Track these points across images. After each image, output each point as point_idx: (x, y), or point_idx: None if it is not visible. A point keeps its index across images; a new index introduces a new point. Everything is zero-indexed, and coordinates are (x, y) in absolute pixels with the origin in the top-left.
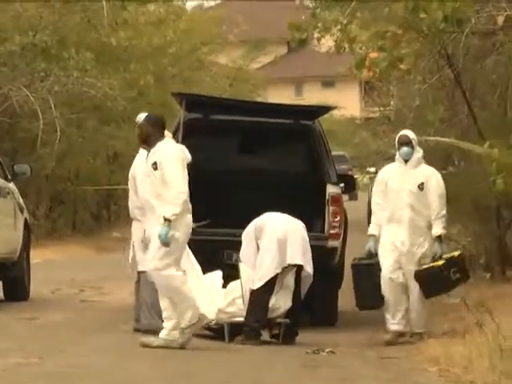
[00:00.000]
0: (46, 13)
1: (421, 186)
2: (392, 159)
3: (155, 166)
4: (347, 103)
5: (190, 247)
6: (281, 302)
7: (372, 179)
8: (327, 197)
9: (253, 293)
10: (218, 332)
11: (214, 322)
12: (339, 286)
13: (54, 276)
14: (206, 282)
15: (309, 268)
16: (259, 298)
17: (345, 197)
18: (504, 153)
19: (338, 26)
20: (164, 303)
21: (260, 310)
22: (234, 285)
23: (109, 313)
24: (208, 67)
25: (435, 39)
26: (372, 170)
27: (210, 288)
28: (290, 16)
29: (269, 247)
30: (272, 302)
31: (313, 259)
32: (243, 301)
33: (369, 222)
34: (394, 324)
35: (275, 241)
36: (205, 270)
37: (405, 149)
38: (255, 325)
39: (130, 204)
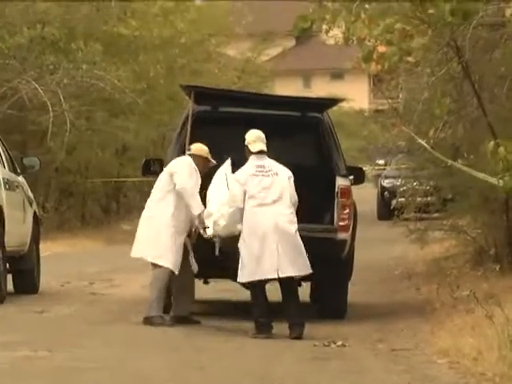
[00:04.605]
0: (54, 5)
1: None
2: (401, 152)
3: None
4: (356, 95)
5: None
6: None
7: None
8: (336, 189)
9: (249, 287)
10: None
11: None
12: (349, 278)
13: (64, 269)
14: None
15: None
16: (256, 292)
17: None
18: (511, 149)
19: (346, 19)
20: None
21: (261, 305)
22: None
23: (118, 305)
24: (216, 59)
25: (444, 31)
26: (381, 162)
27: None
28: (298, 8)
29: (251, 251)
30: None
31: (322, 251)
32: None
33: (378, 214)
34: None
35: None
36: None
37: None
38: (262, 319)
39: None
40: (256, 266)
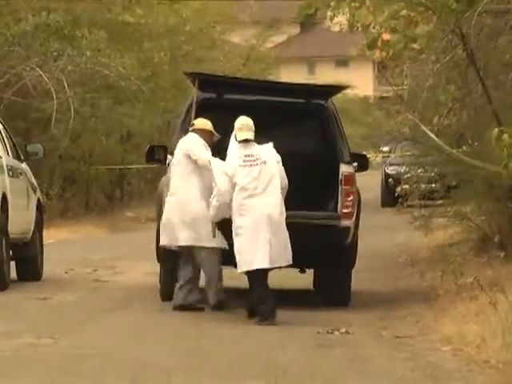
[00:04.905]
0: None
1: None
2: (406, 139)
3: None
4: (361, 82)
5: None
6: None
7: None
8: (340, 176)
9: (248, 276)
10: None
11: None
12: (352, 265)
13: (67, 256)
14: None
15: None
16: (254, 280)
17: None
18: None
19: (350, 6)
20: None
21: (261, 293)
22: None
23: (122, 292)
24: (221, 46)
25: (448, 18)
26: (385, 149)
27: None
28: None
29: (249, 239)
30: None
31: (326, 239)
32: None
33: (382, 201)
34: None
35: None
36: None
37: None
38: (264, 307)
39: None
40: (252, 256)
